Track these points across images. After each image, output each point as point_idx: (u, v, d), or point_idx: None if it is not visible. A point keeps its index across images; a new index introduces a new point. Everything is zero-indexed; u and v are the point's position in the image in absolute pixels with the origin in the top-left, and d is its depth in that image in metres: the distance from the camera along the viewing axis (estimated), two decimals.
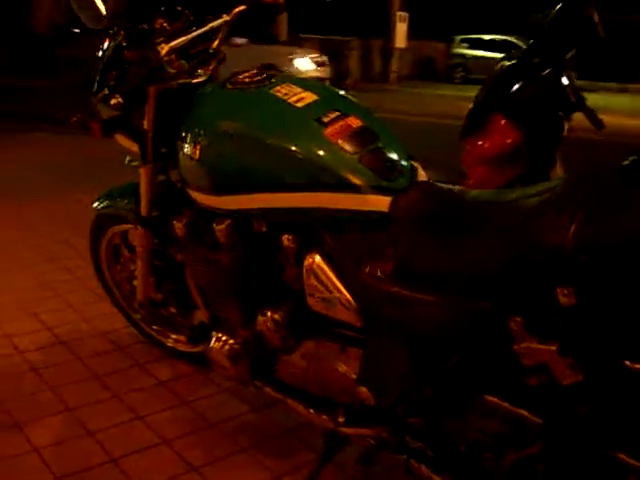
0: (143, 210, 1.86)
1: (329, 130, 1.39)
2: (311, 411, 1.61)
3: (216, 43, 1.73)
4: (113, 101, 1.60)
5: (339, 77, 15.15)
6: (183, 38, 1.60)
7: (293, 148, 1.38)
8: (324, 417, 1.57)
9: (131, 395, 2.13)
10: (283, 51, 11.23)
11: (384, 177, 1.36)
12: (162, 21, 1.66)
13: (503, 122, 2.29)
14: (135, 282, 2.15)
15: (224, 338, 1.68)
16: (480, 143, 2.39)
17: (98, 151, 4.27)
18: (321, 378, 1.57)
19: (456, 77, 18.07)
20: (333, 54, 15.19)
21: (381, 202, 1.33)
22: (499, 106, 2.31)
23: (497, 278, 1.15)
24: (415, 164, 1.46)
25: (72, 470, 1.76)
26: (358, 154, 1.37)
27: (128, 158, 1.87)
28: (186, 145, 1.53)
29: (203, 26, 1.66)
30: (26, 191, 4.63)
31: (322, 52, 14.37)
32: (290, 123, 1.44)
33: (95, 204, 2.23)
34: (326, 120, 1.41)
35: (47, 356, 2.37)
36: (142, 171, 1.80)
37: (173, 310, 2.14)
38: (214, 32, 1.71)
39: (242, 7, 1.72)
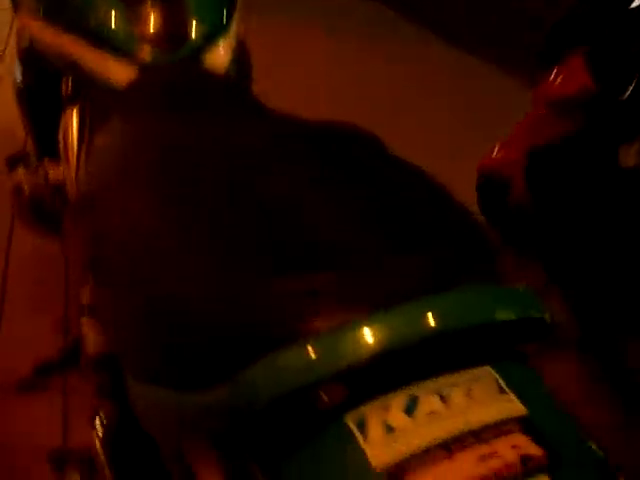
0: None
1: None
2: None
3: None
4: None
5: None
6: None
7: None
8: None
9: None
10: None
11: (153, 41, 1.07)
12: None
13: (580, 65, 1.62)
14: None
15: (25, 171, 1.45)
16: (551, 79, 1.71)
17: None
18: None
19: None
20: None
21: (126, 73, 1.05)
22: (581, 41, 1.63)
23: None
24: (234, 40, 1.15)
25: None
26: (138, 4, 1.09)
27: None
28: None
29: None
30: None
31: None
32: None
33: None
34: None
35: None
36: None
37: None
38: None
39: None
